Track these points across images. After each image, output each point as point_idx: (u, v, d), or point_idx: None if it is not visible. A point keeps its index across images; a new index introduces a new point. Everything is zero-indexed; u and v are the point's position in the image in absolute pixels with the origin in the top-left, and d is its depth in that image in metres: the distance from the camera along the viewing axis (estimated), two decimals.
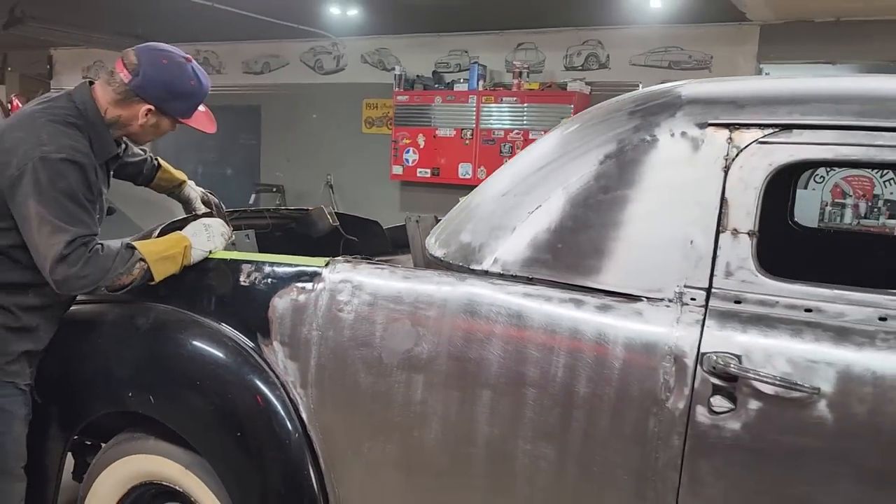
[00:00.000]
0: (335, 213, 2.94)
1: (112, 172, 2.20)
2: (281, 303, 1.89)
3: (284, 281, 1.91)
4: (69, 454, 2.31)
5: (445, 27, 7.54)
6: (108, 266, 1.88)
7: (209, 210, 2.52)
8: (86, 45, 9.35)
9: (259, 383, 1.87)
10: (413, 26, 7.60)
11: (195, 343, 1.96)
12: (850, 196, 8.46)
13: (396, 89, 7.72)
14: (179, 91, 2.01)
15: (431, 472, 1.72)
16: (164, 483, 2.07)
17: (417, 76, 7.79)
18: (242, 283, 1.97)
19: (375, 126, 8.39)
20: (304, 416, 1.85)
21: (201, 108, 2.14)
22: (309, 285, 1.87)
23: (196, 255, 2.04)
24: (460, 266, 1.79)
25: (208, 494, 1.98)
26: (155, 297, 2.10)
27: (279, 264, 1.96)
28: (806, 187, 8.41)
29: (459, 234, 1.85)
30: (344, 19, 7.26)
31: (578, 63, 7.19)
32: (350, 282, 1.83)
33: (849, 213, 8.22)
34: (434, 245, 1.94)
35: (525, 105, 6.99)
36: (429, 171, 7.55)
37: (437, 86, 7.65)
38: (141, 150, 2.43)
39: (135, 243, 1.97)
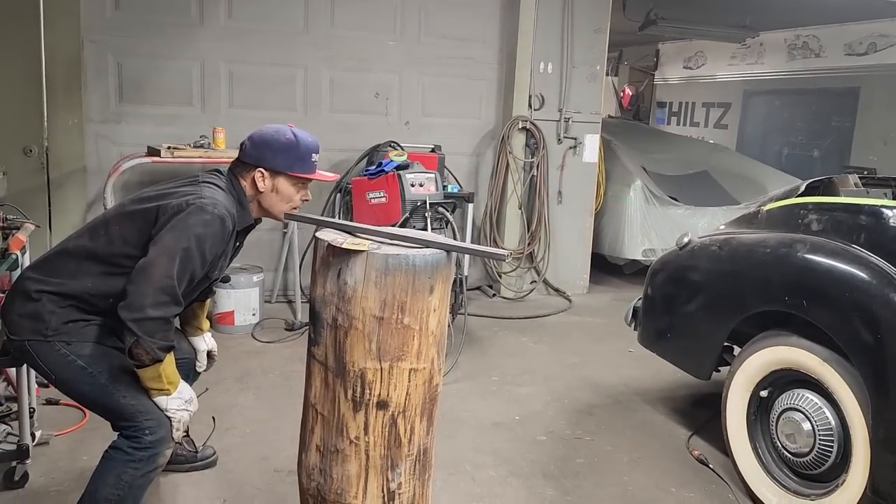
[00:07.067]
0: None
1: (238, 247, 2.44)
2: None
3: None
4: None
5: None
6: (159, 342, 2.04)
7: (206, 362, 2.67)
8: (690, 37, 10.47)
9: None
10: None
11: (846, 265, 2.55)
12: None
13: None
14: (277, 146, 2.26)
15: None
16: (801, 370, 2.73)
17: None
18: (892, 224, 2.48)
19: None
20: None
21: (314, 158, 2.30)
22: None
23: (162, 400, 2.13)
24: None
25: (842, 384, 2.55)
26: (809, 231, 2.77)
27: None
28: None
29: None
30: None
31: None
32: None
33: None
34: None
35: None
36: None
37: None
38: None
39: (166, 361, 2.10)
